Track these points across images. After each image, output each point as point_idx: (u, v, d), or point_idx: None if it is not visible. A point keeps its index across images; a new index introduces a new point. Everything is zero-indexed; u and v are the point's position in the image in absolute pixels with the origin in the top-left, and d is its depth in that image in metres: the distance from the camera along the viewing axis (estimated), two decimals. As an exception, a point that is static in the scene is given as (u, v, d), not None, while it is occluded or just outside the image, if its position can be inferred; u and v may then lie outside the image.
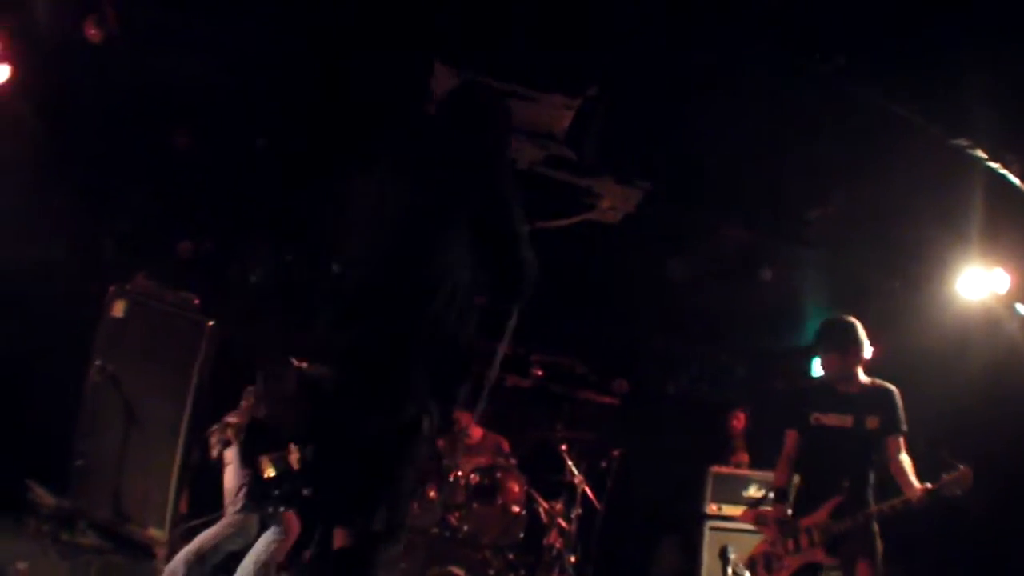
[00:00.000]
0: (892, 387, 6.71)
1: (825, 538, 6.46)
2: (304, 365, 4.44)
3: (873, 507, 6.43)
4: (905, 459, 6.51)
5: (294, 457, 6.89)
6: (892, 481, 6.49)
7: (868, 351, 6.74)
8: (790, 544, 6.61)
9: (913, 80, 6.61)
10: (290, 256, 9.57)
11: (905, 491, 6.37)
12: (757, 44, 6.62)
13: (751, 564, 6.87)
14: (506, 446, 9.49)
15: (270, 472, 6.80)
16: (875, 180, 7.71)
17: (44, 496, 7.90)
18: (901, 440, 6.58)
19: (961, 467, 6.18)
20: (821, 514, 6.52)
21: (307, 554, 5.25)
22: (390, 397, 4.22)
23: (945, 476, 6.19)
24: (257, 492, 6.82)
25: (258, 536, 6.99)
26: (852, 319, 6.79)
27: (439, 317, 4.20)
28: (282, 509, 6.86)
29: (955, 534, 8.10)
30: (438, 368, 4.24)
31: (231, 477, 7.04)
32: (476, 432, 9.46)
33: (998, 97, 6.34)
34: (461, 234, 4.29)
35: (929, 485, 6.23)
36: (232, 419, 7.15)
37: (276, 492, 6.90)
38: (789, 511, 6.81)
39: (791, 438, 6.99)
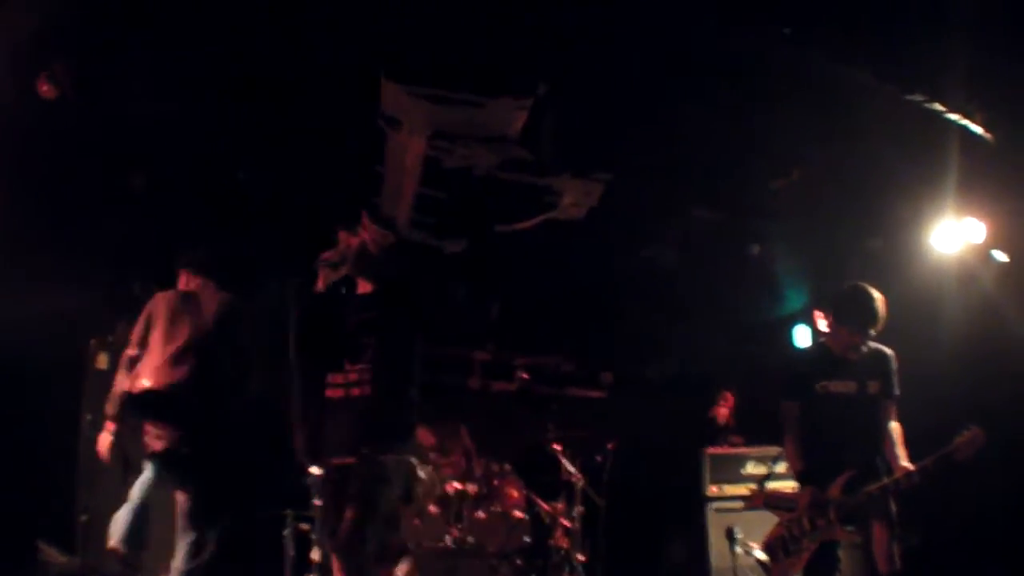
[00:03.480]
0: (890, 351, 6.57)
1: (840, 514, 6.27)
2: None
3: (886, 480, 6.23)
4: (895, 426, 6.42)
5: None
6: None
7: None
8: (806, 525, 6.40)
9: (864, 42, 6.54)
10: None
11: (891, 461, 6.29)
12: (702, 23, 6.54)
13: (769, 550, 6.60)
14: (464, 432, 9.43)
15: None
16: (837, 144, 7.68)
17: (55, 556, 7.90)
18: (893, 405, 6.49)
19: (972, 428, 6.01)
20: (834, 490, 6.30)
21: None
22: None
23: (957, 439, 6.01)
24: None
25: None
26: (874, 292, 6.44)
27: None
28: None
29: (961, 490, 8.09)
30: None
31: None
32: (424, 437, 9.38)
33: (952, 49, 6.30)
34: None
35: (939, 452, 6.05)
36: None
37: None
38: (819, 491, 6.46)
39: (792, 411, 6.67)
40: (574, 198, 8.66)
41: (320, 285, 5.72)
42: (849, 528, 6.32)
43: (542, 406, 9.95)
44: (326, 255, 5.77)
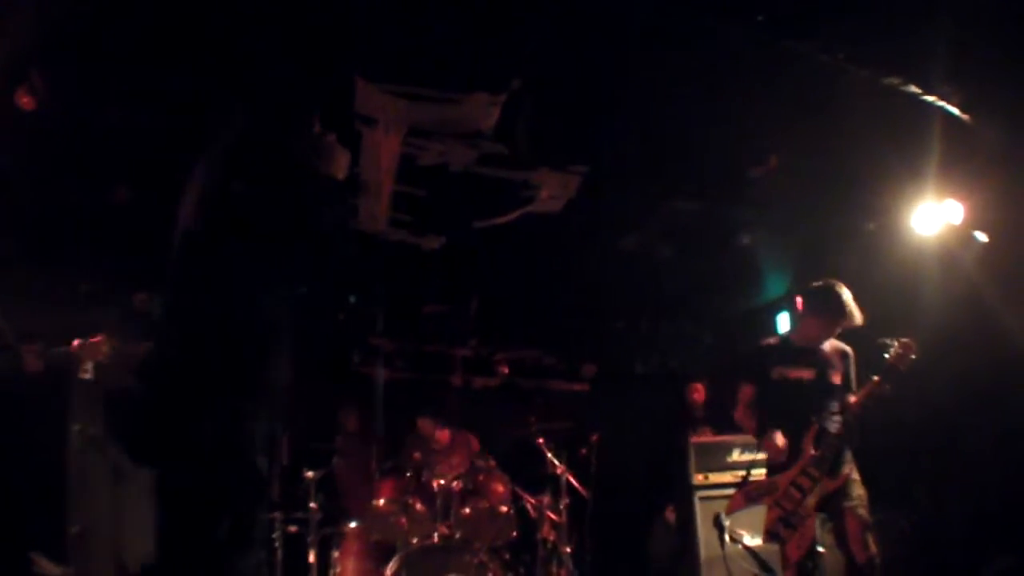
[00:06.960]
0: (850, 350, 6.95)
1: (822, 467, 6.53)
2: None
3: (848, 415, 6.58)
4: None
5: None
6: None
7: (855, 320, 6.78)
8: (796, 494, 6.59)
9: (838, 25, 6.53)
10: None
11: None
12: (675, 11, 6.51)
13: (772, 535, 6.75)
14: (475, 443, 9.55)
15: None
16: (814, 129, 7.64)
17: (48, 567, 7.83)
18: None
19: (900, 340, 6.44)
20: (807, 452, 6.61)
21: None
22: None
23: (888, 354, 6.42)
24: None
25: None
26: (841, 288, 6.78)
27: None
28: None
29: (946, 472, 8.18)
30: None
31: None
32: (443, 436, 9.49)
33: (927, 31, 6.30)
34: None
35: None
36: None
37: None
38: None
39: (747, 391, 7.15)
40: (551, 191, 8.64)
41: None
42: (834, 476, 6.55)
43: (524, 400, 9.98)
44: None
